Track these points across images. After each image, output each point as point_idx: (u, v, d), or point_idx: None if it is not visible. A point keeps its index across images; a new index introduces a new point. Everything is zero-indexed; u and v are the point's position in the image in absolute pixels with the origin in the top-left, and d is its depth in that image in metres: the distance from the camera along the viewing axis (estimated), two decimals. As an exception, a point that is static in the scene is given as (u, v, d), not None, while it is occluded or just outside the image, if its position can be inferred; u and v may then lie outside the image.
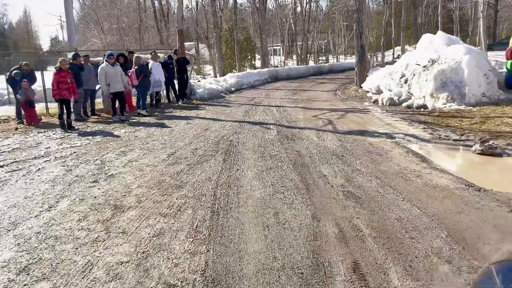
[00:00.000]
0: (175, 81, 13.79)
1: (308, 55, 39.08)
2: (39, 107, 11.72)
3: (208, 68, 36.07)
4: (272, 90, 17.93)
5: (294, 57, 46.37)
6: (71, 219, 3.79)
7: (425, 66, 10.96)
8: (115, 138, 7.86)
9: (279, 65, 36.09)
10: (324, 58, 44.83)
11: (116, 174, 5.29)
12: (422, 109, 10.13)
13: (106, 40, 29.81)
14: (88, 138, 7.93)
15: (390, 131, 7.66)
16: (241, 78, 20.12)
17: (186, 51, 15.31)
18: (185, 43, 44.65)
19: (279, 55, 49.12)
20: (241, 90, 18.22)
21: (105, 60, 10.05)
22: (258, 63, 35.24)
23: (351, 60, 44.41)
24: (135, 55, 11.34)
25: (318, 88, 18.15)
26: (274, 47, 48.78)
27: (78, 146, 7.17)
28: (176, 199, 4.23)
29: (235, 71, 26.77)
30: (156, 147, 6.83)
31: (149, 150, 6.62)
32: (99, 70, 9.94)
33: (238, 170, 5.30)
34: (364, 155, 5.90)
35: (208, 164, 5.65)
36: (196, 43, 39.78)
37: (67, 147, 7.09)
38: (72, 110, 10.84)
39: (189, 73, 14.51)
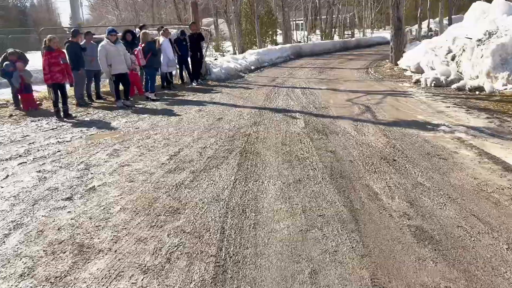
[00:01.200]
0: (189, 60, 12.44)
1: (333, 29, 36.86)
2: (41, 90, 10.67)
3: (227, 45, 34.48)
4: (295, 68, 16.37)
5: (318, 32, 44.14)
6: (10, 274, 2.58)
7: (479, 40, 9.23)
8: (112, 131, 6.65)
9: (302, 41, 34.15)
10: (350, 33, 42.34)
11: (98, 186, 4.06)
12: (477, 92, 8.50)
13: (121, 17, 28.54)
14: (82, 130, 6.75)
15: (446, 122, 6.16)
16: (262, 55, 18.57)
17: (202, 27, 13.85)
18: (204, 19, 43.11)
19: (301, 30, 46.90)
20: (261, 69, 16.72)
21: (106, 37, 8.77)
22: (279, 38, 33.39)
23: (379, 34, 41.85)
24: (143, 31, 10.01)
25: (347, 65, 16.47)
26: (297, 22, 46.50)
27: (67, 142, 5.99)
28: (168, 236, 2.97)
29: (255, 48, 25.16)
30: (157, 145, 5.57)
31: (147, 149, 5.37)
32: (99, 48, 8.68)
33: (256, 182, 3.99)
34: (422, 159, 4.48)
35: (218, 171, 4.36)
36: (215, 18, 38.10)
37: (53, 143, 5.92)
38: (74, 94, 9.75)
39: (204, 50, 13.11)
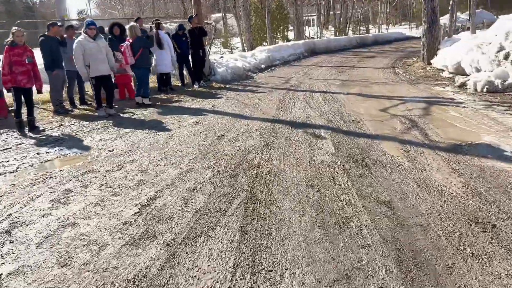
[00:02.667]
0: (190, 59, 10.80)
1: (347, 25, 34.91)
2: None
3: (236, 41, 32.79)
4: (311, 67, 14.62)
5: (330, 27, 42.17)
6: None
7: (545, 34, 7.40)
8: (77, 155, 5.03)
9: (315, 37, 32.30)
10: (364, 29, 40.29)
11: (4, 279, 2.42)
12: (548, 100, 6.70)
13: (124, 11, 27.01)
14: (39, 153, 5.14)
15: (534, 148, 4.40)
16: (273, 52, 16.87)
17: (206, 21, 12.18)
18: (213, 15, 41.46)
19: (313, 26, 44.95)
20: (273, 68, 15.02)
21: (83, 32, 7.15)
22: (291, 34, 31.57)
23: (395, 30, 39.77)
24: (130, 24, 8.36)
25: (368, 63, 14.67)
26: (308, 17, 44.57)
27: (9, 174, 4.37)
28: None
29: (266, 44, 23.46)
30: (128, 183, 3.92)
31: (112, 191, 3.72)
32: (74, 45, 7.08)
33: (270, 274, 2.32)
34: (539, 224, 2.76)
35: (208, 244, 2.69)
36: (224, 13, 36.45)
37: (-11, 176, 4.31)
38: (51, 100, 8.19)
39: (207, 47, 11.46)
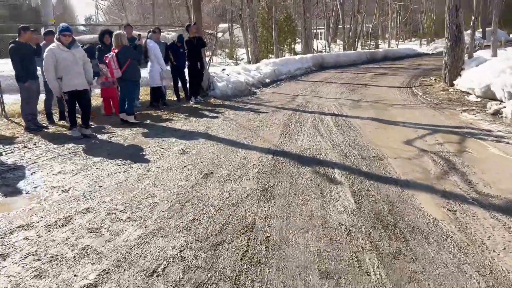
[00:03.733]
0: (186, 71, 9.75)
1: (357, 39, 33.94)
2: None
3: (242, 52, 31.89)
4: (319, 83, 13.53)
5: (339, 41, 41.26)
6: None
7: None
8: (18, 196, 3.91)
9: (323, 50, 31.33)
10: (374, 44, 39.32)
11: None
12: None
13: (128, 19, 26.20)
14: (-25, 190, 4.03)
15: None
16: (279, 65, 15.82)
17: (208, 31, 11.15)
18: (220, 25, 40.60)
19: (321, 39, 44.06)
20: (278, 83, 13.94)
21: (56, 39, 6.10)
22: (298, 47, 30.60)
23: (404, 46, 38.74)
24: (116, 32, 7.30)
25: (382, 81, 13.55)
26: (316, 30, 43.70)
27: None
28: None
29: (271, 57, 22.45)
30: (64, 256, 2.79)
31: (36, 272, 2.59)
32: (45, 54, 6.01)
33: None
34: None
35: None
36: (230, 23, 35.63)
37: None
38: (22, 114, 7.16)
39: (207, 59, 10.41)
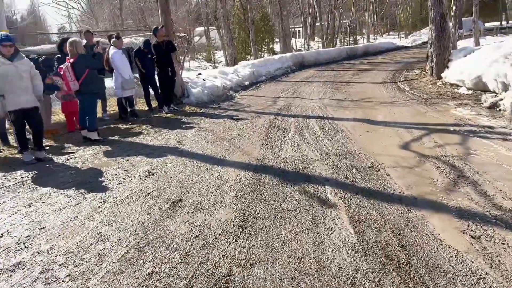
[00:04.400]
0: (156, 79, 8.98)
1: (335, 36, 33.53)
2: None
3: (220, 55, 31.15)
4: (301, 83, 12.89)
5: (317, 39, 40.88)
6: None
7: None
8: None
9: (302, 49, 30.85)
10: (352, 39, 39.01)
11: None
12: None
13: (98, 27, 25.16)
14: None
15: None
16: (258, 67, 15.15)
17: (179, 34, 10.40)
18: (197, 28, 39.67)
19: (299, 37, 43.67)
20: (258, 84, 13.27)
21: (-5, 50, 5.27)
22: (276, 47, 30.01)
23: (383, 40, 38.54)
24: (71, 39, 6.48)
25: (365, 78, 12.99)
26: (294, 29, 43.23)
27: None
28: None
29: (250, 58, 21.78)
30: None
31: None
32: (-19, 68, 5.17)
33: None
34: None
35: None
36: (206, 26, 34.90)
37: None
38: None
39: (179, 65, 9.64)
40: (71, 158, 5.55)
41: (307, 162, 4.61)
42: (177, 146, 5.83)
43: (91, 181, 4.46)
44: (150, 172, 4.63)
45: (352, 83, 11.89)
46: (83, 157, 5.58)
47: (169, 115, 8.56)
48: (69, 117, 7.63)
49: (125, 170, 4.78)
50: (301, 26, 44.74)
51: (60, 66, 6.38)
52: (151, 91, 9.11)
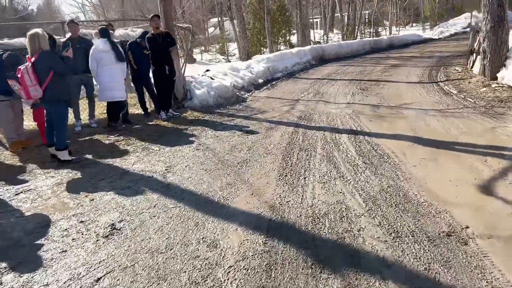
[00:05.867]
0: (151, 77, 7.51)
1: (356, 27, 31.53)
2: None
3: (233, 47, 29.55)
4: (322, 81, 11.26)
5: (336, 31, 38.83)
6: None
7: None
8: None
9: (321, 41, 29.03)
10: (374, 31, 36.85)
11: None
12: None
13: (106, 17, 23.79)
14: None
15: None
16: (274, 62, 13.54)
17: (180, 24, 8.89)
18: (212, 19, 38.27)
19: (317, 29, 41.63)
20: (273, 83, 11.69)
21: None
22: (293, 39, 28.22)
23: (406, 32, 36.28)
24: (32, 32, 5.00)
25: (396, 75, 11.28)
26: (311, 20, 41.22)
27: None
28: None
29: (265, 51, 20.17)
30: None
31: None
32: None
33: None
34: None
35: None
36: (219, 17, 33.30)
37: None
38: None
39: (180, 61, 8.13)
40: (21, 192, 4.11)
41: (347, 218, 3.06)
42: (164, 175, 4.34)
43: (24, 245, 3.01)
44: (114, 228, 3.15)
45: (383, 82, 10.21)
46: (37, 190, 4.14)
47: (166, 123, 7.09)
48: (42, 128, 6.21)
49: (82, 222, 3.31)
50: (319, 16, 42.71)
51: (19, 67, 4.92)
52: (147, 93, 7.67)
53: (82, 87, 7.14)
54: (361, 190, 3.56)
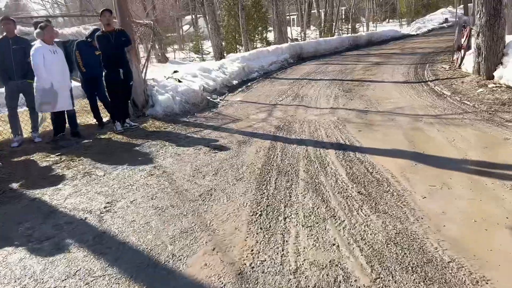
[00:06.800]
0: (104, 83, 6.41)
1: (334, 24, 30.84)
2: None
3: (208, 45, 28.38)
4: (301, 81, 10.35)
5: (313, 27, 38.12)
6: None
7: None
8: None
9: (299, 38, 28.22)
10: (350, 27, 36.25)
11: None
12: None
13: (69, 11, 22.25)
14: None
15: None
16: (249, 61, 12.58)
17: (138, 20, 7.79)
18: (187, 17, 37.03)
19: (293, 26, 40.84)
20: (249, 84, 10.72)
21: None
22: (270, 36, 27.26)
23: (383, 28, 35.85)
24: None
25: (380, 74, 10.47)
26: (288, 17, 40.37)
27: None
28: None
29: (241, 49, 19.17)
30: None
31: None
32: None
33: None
34: None
35: None
36: (194, 13, 32.09)
37: None
38: None
39: (139, 65, 7.06)
40: None
41: (347, 296, 2.11)
42: (101, 217, 3.30)
43: None
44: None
45: (367, 83, 9.37)
46: None
47: (120, 136, 6.01)
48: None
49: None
50: (295, 13, 41.96)
51: None
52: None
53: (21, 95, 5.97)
54: (361, 241, 2.62)
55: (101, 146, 5.54)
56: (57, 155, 5.21)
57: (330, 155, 4.39)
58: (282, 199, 3.37)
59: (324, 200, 3.28)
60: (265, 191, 3.56)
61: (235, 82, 10.67)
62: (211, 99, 8.42)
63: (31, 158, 5.20)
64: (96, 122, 6.78)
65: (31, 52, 5.24)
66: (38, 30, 5.51)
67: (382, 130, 5.28)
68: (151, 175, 4.22)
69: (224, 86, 10.01)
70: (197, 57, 26.72)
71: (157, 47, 26.90)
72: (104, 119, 6.84)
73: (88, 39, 6.39)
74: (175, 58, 27.47)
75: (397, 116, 6.01)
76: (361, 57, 15.70)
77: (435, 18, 34.23)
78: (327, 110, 6.81)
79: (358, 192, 3.38)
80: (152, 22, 6.89)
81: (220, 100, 8.61)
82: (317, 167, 4.06)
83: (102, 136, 6.10)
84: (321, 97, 8.07)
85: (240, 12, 16.42)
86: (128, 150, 5.27)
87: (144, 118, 6.96)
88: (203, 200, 3.48)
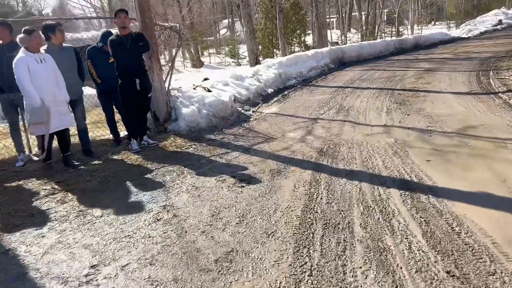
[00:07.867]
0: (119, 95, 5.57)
1: (377, 26, 29.23)
2: None
3: (244, 49, 27.61)
4: (345, 90, 9.18)
5: (353, 30, 36.56)
6: None
7: None
8: None
9: (340, 42, 26.86)
10: (395, 30, 34.37)
11: None
12: None
13: (105, 14, 22.05)
14: None
15: None
16: (286, 67, 11.54)
17: (161, 23, 6.92)
18: (224, 20, 36.64)
19: (333, 29, 39.38)
20: (285, 93, 9.67)
21: None
22: (308, 39, 26.10)
23: (429, 31, 33.70)
24: None
25: (435, 82, 9.10)
26: (328, 19, 38.97)
27: None
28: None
29: (278, 53, 18.15)
30: None
31: None
32: None
33: None
34: None
35: None
36: (230, 17, 31.47)
37: None
38: None
39: (165, 71, 6.20)
40: None
41: None
42: (77, 294, 2.35)
43: None
44: None
45: (422, 93, 8.08)
46: None
47: (135, 157, 5.13)
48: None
49: None
50: (335, 16, 40.50)
51: None
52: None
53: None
54: None
55: (109, 172, 4.67)
56: (55, 183, 4.38)
57: (394, 199, 3.27)
58: (332, 277, 2.30)
59: (395, 282, 2.18)
60: (307, 259, 2.50)
61: (270, 90, 9.66)
62: (242, 111, 7.45)
63: (26, 186, 4.41)
64: (113, 138, 5.97)
65: (13, 64, 4.35)
66: (22, 35, 4.46)
67: (457, 161, 4.08)
68: (158, 220, 3.27)
69: (258, 95, 9.03)
70: (233, 61, 26.02)
71: (192, 51, 26.43)
72: (122, 133, 6.02)
73: (99, 44, 5.57)
74: (210, 63, 26.91)
75: (471, 139, 4.77)
76: (410, 63, 14.26)
77: (487, 20, 31.75)
78: (380, 128, 5.65)
79: (447, 273, 2.25)
80: (178, 25, 5.96)
81: (253, 112, 7.62)
82: (378, 218, 2.95)
83: (115, 157, 5.25)
84: (370, 110, 6.90)
85: (278, 14, 15.42)
86: (138, 179, 4.36)
87: (165, 134, 6.08)
88: (219, 271, 2.47)
